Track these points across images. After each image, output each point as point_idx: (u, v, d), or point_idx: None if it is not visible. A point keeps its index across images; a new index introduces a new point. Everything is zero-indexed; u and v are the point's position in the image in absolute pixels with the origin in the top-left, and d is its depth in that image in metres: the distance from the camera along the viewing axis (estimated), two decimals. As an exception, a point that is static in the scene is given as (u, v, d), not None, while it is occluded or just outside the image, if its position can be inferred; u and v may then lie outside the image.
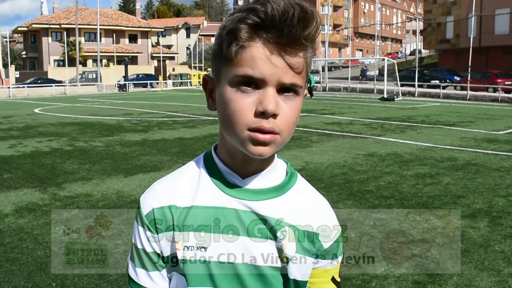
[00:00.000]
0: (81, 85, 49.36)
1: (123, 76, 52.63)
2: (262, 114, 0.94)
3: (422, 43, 58.95)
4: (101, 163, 9.74)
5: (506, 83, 36.23)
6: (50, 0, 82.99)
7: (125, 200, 6.93)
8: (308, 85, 32.82)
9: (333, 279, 1.16)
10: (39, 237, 5.43)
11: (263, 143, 0.96)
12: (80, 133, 14.69)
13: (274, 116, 0.95)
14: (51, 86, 46.46)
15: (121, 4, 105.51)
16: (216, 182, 1.08)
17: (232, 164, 1.07)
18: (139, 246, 1.10)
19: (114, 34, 64.38)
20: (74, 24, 55.91)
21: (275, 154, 1.11)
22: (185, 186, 1.09)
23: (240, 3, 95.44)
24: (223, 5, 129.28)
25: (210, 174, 1.09)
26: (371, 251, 4.97)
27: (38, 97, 39.98)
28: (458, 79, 41.29)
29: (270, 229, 1.06)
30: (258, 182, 1.07)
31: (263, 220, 1.06)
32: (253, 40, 0.94)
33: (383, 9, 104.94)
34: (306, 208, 1.10)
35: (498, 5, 44.96)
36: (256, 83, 0.95)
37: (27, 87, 45.09)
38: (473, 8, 35.14)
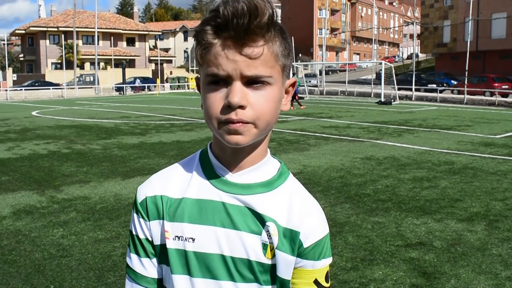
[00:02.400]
0: (79, 88, 49.37)
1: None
2: (229, 107, 0.99)
3: (419, 47, 59.09)
4: (98, 166, 9.73)
5: (503, 87, 36.35)
6: (48, 3, 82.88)
7: (123, 203, 6.92)
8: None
9: (316, 282, 1.16)
10: (37, 239, 5.42)
11: (236, 132, 1.01)
12: (78, 135, 14.68)
13: (242, 107, 0.99)
14: (49, 89, 46.42)
15: (119, 7, 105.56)
16: (207, 176, 1.12)
17: (223, 158, 1.11)
18: (134, 232, 1.16)
19: (112, 37, 64.34)
20: (71, 27, 55.90)
21: (268, 151, 1.14)
22: (179, 179, 1.15)
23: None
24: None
25: (203, 168, 1.14)
26: (368, 254, 4.98)
27: (36, 100, 39.95)
28: (455, 83, 41.40)
29: (256, 224, 1.09)
30: (247, 176, 1.11)
31: (250, 214, 1.09)
32: (215, 40, 0.99)
33: (381, 13, 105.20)
34: (292, 206, 1.12)
35: (495, 9, 45.15)
36: (224, 80, 1.00)
37: (25, 89, 45.03)
38: (470, 12, 35.26)
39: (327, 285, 1.18)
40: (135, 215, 1.16)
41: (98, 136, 14.42)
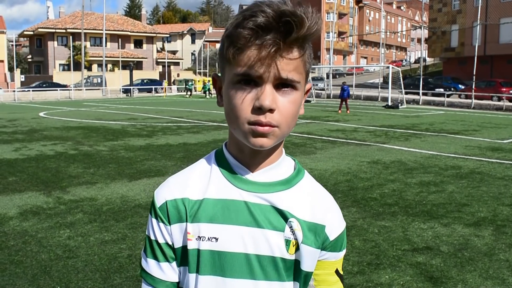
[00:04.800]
0: (86, 89, 49.59)
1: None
2: (259, 109, 1.00)
3: (426, 51, 58.92)
4: (105, 167, 9.76)
5: (511, 92, 36.17)
6: (57, 4, 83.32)
7: (129, 205, 6.92)
8: None
9: (336, 271, 1.22)
10: (43, 240, 5.44)
11: (262, 135, 1.02)
12: (85, 137, 14.73)
13: (271, 110, 1.01)
14: (56, 90, 46.63)
15: (127, 10, 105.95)
16: (226, 175, 1.13)
17: (241, 158, 1.13)
18: (152, 238, 1.15)
19: (120, 39, 64.57)
20: (79, 29, 56.15)
21: (283, 150, 1.17)
22: (197, 180, 1.15)
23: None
24: (228, 12, 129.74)
25: (221, 168, 1.15)
26: (375, 258, 4.96)
27: (43, 101, 40.12)
28: (463, 87, 41.28)
29: (278, 221, 1.10)
30: (266, 175, 1.12)
31: (272, 211, 1.11)
32: (250, 43, 0.99)
33: (388, 17, 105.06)
34: (313, 201, 1.15)
35: (503, 14, 44.98)
36: (254, 81, 1.01)
37: (32, 90, 45.24)
38: (478, 17, 35.13)
39: (342, 273, 1.25)
40: (153, 220, 1.15)
41: (105, 138, 14.47)
